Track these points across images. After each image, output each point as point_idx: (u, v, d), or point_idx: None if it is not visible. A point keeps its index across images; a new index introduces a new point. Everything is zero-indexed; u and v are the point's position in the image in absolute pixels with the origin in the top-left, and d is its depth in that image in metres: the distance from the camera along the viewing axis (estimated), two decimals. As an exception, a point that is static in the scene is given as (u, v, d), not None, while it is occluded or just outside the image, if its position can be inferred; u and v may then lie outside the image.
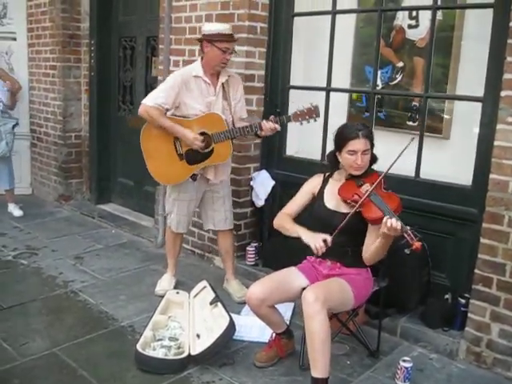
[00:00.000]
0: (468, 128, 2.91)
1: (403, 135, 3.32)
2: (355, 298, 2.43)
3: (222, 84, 3.12)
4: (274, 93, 3.71)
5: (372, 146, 2.47)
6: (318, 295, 2.23)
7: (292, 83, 3.67)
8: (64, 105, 5.28)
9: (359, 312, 2.74)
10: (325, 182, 2.61)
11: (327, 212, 2.50)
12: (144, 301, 3.28)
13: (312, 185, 2.64)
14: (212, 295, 2.92)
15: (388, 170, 2.37)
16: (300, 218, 2.61)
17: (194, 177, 3.15)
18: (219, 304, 2.83)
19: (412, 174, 3.01)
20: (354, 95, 3.63)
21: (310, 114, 2.89)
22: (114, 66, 5.16)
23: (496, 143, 2.52)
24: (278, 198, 3.68)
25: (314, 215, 2.54)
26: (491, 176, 2.55)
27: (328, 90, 3.43)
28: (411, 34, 3.25)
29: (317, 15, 3.55)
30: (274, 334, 2.66)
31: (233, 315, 2.73)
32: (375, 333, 2.80)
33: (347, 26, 3.47)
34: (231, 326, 2.62)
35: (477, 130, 2.80)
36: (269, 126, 2.94)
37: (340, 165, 2.54)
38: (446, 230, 2.95)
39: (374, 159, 2.53)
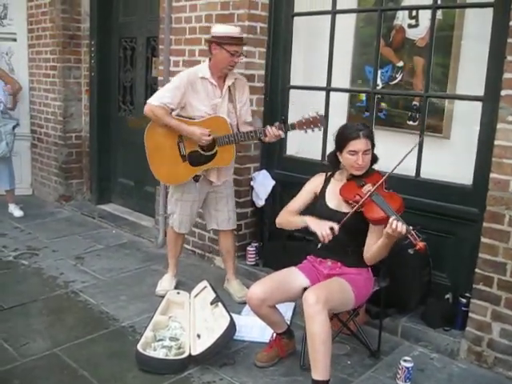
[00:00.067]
0: (468, 127, 2.90)
1: (403, 135, 3.32)
2: (356, 298, 2.43)
3: (229, 86, 3.12)
4: (274, 93, 3.71)
5: (373, 145, 2.47)
6: (318, 296, 2.23)
7: (292, 83, 3.67)
8: (64, 105, 5.28)
9: (360, 312, 2.74)
10: (327, 181, 2.61)
11: (329, 211, 2.50)
12: (145, 301, 3.28)
13: (314, 184, 2.64)
14: (212, 295, 2.92)
15: (392, 170, 2.38)
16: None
17: (196, 178, 3.15)
18: (220, 304, 2.83)
19: (412, 173, 3.01)
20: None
21: (315, 122, 2.88)
22: (114, 67, 5.16)
23: (496, 142, 2.52)
24: (279, 197, 3.68)
25: (316, 214, 2.54)
26: (492, 175, 2.55)
27: (328, 89, 3.43)
28: (411, 34, 3.25)
29: (317, 15, 3.55)
30: (274, 334, 2.66)
31: (233, 315, 2.73)
32: (376, 333, 2.80)
33: (347, 25, 3.47)
34: (232, 326, 2.62)
35: (477, 129, 2.80)
36: (273, 132, 2.94)
37: (341, 165, 2.54)
38: (447, 230, 2.95)
39: (374, 159, 2.53)
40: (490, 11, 2.70)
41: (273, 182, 3.66)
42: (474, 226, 2.77)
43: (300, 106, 3.71)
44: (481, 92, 2.76)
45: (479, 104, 2.77)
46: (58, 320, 3.01)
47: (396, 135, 3.36)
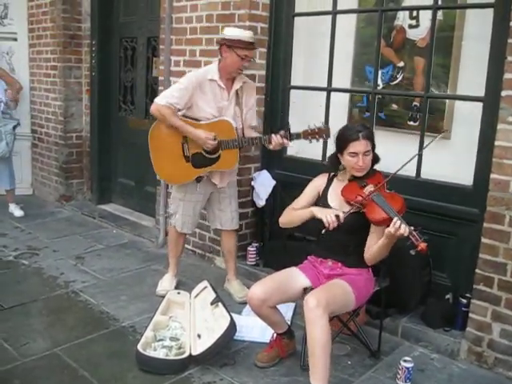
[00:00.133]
0: (469, 128, 2.90)
1: (404, 135, 3.32)
2: (356, 300, 2.43)
3: (236, 90, 3.11)
4: (275, 93, 3.71)
5: (373, 146, 2.48)
6: (319, 300, 2.23)
7: (293, 83, 3.67)
8: (65, 105, 5.28)
9: (360, 312, 2.75)
10: (329, 181, 2.62)
11: None
12: (145, 301, 3.28)
13: (317, 183, 2.65)
14: (213, 295, 2.92)
15: (396, 172, 2.40)
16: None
17: (198, 178, 3.16)
18: (220, 304, 2.83)
19: (413, 174, 3.00)
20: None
21: (321, 133, 2.87)
22: (114, 67, 5.16)
23: (497, 143, 2.52)
24: (279, 198, 3.69)
25: None
26: (492, 176, 2.55)
27: (329, 90, 3.43)
28: (412, 34, 3.25)
29: (317, 15, 3.55)
30: (275, 335, 2.66)
31: (234, 315, 2.73)
32: (376, 333, 2.80)
33: (348, 26, 3.47)
34: (232, 326, 2.62)
35: (478, 129, 2.80)
36: (278, 140, 2.93)
37: (341, 166, 2.55)
38: (447, 230, 2.95)
39: (376, 159, 2.53)
40: (490, 12, 2.70)
41: (273, 182, 3.66)
42: (474, 227, 2.77)
43: (300, 106, 3.71)
44: (481, 92, 2.76)
45: (480, 104, 2.77)
46: (59, 320, 3.01)
47: (396, 135, 3.36)
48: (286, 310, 2.99)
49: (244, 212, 3.79)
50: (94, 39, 5.13)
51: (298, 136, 2.93)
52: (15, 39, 5.52)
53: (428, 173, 3.02)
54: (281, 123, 3.73)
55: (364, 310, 2.89)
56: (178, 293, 3.15)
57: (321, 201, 2.57)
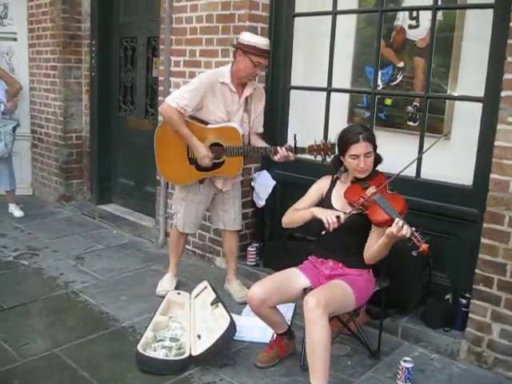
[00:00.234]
0: (469, 128, 2.90)
1: (404, 135, 3.32)
2: (356, 300, 2.43)
3: (246, 96, 3.11)
4: (275, 93, 3.71)
5: (375, 147, 2.48)
6: (319, 300, 2.23)
7: (293, 83, 3.68)
8: (65, 105, 5.28)
9: (360, 312, 2.75)
10: (333, 183, 2.63)
11: None
12: (145, 301, 3.28)
13: (321, 185, 2.66)
14: (213, 296, 2.93)
15: (399, 173, 2.41)
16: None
17: (201, 180, 3.16)
18: (220, 304, 2.83)
19: (413, 174, 3.01)
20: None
21: (326, 150, 2.87)
22: (114, 67, 5.16)
23: (496, 143, 2.52)
24: (279, 198, 3.69)
25: None
26: (492, 176, 2.55)
27: (329, 90, 3.43)
28: (412, 35, 3.25)
29: (317, 16, 3.55)
30: (274, 335, 2.66)
31: (234, 316, 2.73)
32: (376, 333, 2.80)
33: (348, 26, 3.47)
34: (232, 327, 2.62)
35: (477, 130, 2.80)
36: (283, 153, 2.94)
37: (342, 168, 2.57)
38: (447, 230, 2.95)
39: (378, 160, 2.54)
40: (490, 12, 2.70)
41: (273, 183, 3.66)
42: (474, 227, 2.77)
43: (300, 106, 3.71)
44: (481, 93, 2.76)
45: (479, 105, 2.77)
46: (58, 320, 3.01)
47: (396, 136, 3.36)
48: (286, 310, 2.99)
49: (244, 212, 3.78)
50: (93, 39, 5.13)
51: (302, 150, 2.93)
52: (15, 39, 5.52)
53: (428, 173, 3.03)
54: (281, 123, 3.73)
55: (364, 310, 2.89)
56: (178, 293, 3.15)
57: (325, 203, 2.58)
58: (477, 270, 2.63)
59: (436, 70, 3.07)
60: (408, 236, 2.18)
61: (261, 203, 3.68)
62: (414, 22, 3.24)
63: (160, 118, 4.12)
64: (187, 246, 4.02)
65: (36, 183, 5.84)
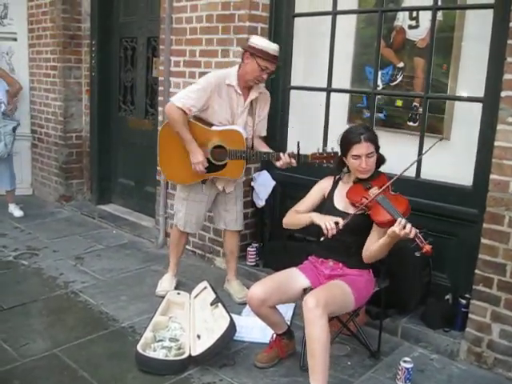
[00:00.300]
0: (468, 128, 2.90)
1: (404, 136, 3.32)
2: (356, 301, 2.43)
3: (252, 100, 3.10)
4: (275, 93, 3.70)
5: (377, 148, 2.49)
6: (318, 300, 2.23)
7: (293, 83, 3.68)
8: (65, 105, 5.28)
9: (360, 312, 2.75)
10: (335, 184, 2.64)
11: (337, 213, 2.50)
12: (145, 301, 3.28)
13: (323, 186, 2.66)
14: (213, 296, 2.92)
15: (402, 173, 2.41)
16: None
17: (203, 180, 3.16)
18: (220, 305, 2.83)
19: (413, 174, 3.01)
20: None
21: (329, 159, 2.85)
22: (114, 67, 5.16)
23: (496, 143, 2.52)
24: (279, 198, 3.69)
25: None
26: (492, 176, 2.55)
27: (328, 90, 3.43)
28: (411, 35, 3.25)
29: (317, 16, 3.55)
30: (274, 335, 2.66)
31: (233, 316, 2.73)
32: (376, 333, 2.80)
33: (348, 26, 3.47)
34: (232, 327, 2.62)
35: (477, 130, 2.80)
36: (285, 160, 2.92)
37: (345, 169, 2.58)
38: (447, 231, 2.95)
39: (381, 161, 2.55)
40: (490, 12, 2.70)
41: (273, 183, 3.66)
42: (473, 227, 2.77)
43: (300, 106, 3.71)
44: (481, 93, 2.76)
45: (479, 105, 2.77)
46: (58, 320, 3.01)
47: (396, 136, 3.36)
48: (286, 311, 2.99)
49: (244, 212, 3.76)
50: (93, 39, 5.13)
51: (305, 158, 2.91)
52: (15, 39, 5.52)
53: (428, 173, 3.03)
54: (281, 123, 3.73)
55: (364, 310, 2.89)
56: (178, 293, 3.15)
57: (327, 203, 2.58)
58: (477, 271, 2.63)
59: (436, 70, 3.07)
60: (412, 236, 2.18)
61: (261, 203, 3.68)
62: (413, 22, 3.24)
63: (160, 118, 4.14)
64: (187, 246, 4.02)
65: (36, 183, 5.84)
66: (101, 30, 5.08)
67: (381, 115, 3.41)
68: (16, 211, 4.99)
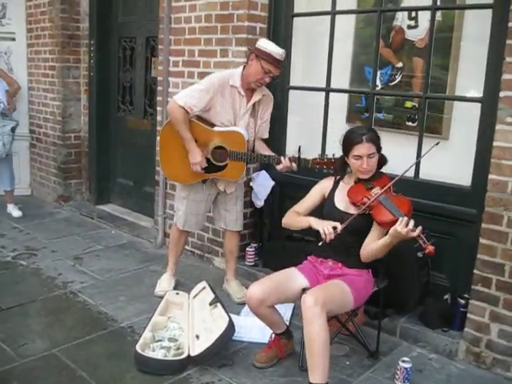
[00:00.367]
0: (467, 128, 2.91)
1: (402, 136, 3.32)
2: (355, 300, 2.43)
3: (255, 102, 3.10)
4: (274, 93, 3.68)
5: (379, 148, 2.49)
6: (317, 299, 2.23)
7: (292, 84, 3.67)
8: (63, 105, 5.27)
9: (358, 312, 2.75)
10: (336, 184, 2.64)
11: (338, 213, 2.51)
12: (143, 302, 3.27)
13: (323, 186, 2.66)
14: (211, 296, 2.92)
15: (403, 174, 2.42)
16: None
17: (203, 180, 3.16)
18: (219, 305, 2.83)
19: (411, 174, 3.00)
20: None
21: (329, 165, 2.84)
22: (113, 67, 5.16)
23: (495, 144, 2.53)
24: (278, 198, 3.68)
25: (325, 216, 2.55)
26: (490, 176, 2.55)
27: (327, 90, 3.43)
28: (410, 35, 3.25)
29: (316, 16, 3.55)
30: (273, 335, 2.66)
31: (232, 316, 2.73)
32: (374, 333, 2.80)
33: (347, 26, 3.46)
34: (230, 327, 2.62)
35: (476, 130, 2.80)
36: (286, 164, 2.92)
37: (348, 169, 2.58)
38: (445, 231, 2.95)
39: (383, 161, 2.55)
40: (489, 12, 2.70)
41: (272, 183, 3.66)
42: (472, 227, 2.77)
43: (299, 106, 3.71)
44: (480, 93, 2.76)
45: (478, 105, 2.77)
46: (57, 320, 3.01)
47: (395, 136, 3.36)
48: (285, 311, 3.00)
49: (243, 212, 3.78)
50: (92, 39, 5.12)
51: (306, 162, 2.90)
52: (13, 39, 5.52)
53: (426, 173, 3.03)
54: (280, 123, 3.72)
55: (362, 310, 2.89)
56: (177, 293, 3.14)
57: (327, 203, 2.58)
58: (475, 271, 2.63)
59: (435, 70, 3.07)
60: (415, 235, 2.18)
61: (259, 203, 3.68)
62: (412, 23, 3.24)
63: (159, 118, 4.14)
64: (186, 247, 4.01)
65: (34, 183, 5.84)
66: (99, 30, 5.08)
67: (379, 115, 3.41)
68: (15, 211, 4.98)
